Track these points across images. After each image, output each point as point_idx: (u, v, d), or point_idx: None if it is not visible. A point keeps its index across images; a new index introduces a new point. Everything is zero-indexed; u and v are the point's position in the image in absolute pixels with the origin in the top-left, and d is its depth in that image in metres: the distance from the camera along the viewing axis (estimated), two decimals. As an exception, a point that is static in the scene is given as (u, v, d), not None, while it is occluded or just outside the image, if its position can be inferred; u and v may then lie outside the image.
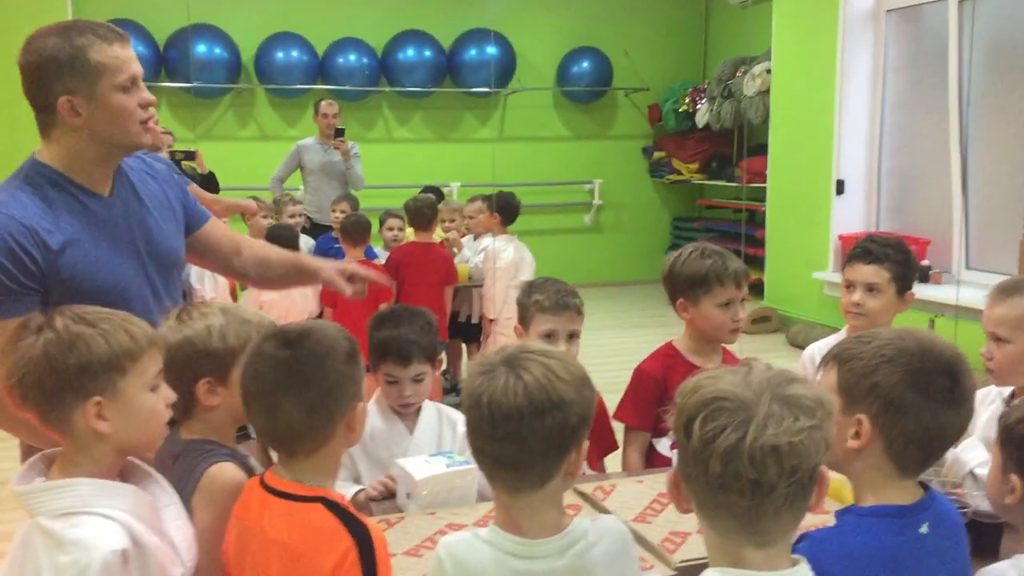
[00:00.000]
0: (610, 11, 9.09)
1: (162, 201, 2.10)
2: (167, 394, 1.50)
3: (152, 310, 1.95)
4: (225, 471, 1.58)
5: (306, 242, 5.83)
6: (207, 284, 4.42)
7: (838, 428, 1.40)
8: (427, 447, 2.25)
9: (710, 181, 8.86)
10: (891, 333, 1.49)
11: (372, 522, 1.46)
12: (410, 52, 8.42)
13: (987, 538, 1.63)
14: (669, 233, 9.59)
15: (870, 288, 2.46)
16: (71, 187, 1.88)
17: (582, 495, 1.96)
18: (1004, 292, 2.05)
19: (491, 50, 8.51)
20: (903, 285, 2.48)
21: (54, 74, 1.82)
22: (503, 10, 8.73)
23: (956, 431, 1.42)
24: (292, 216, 5.79)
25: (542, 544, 1.32)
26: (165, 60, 7.93)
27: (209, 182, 6.18)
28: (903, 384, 1.38)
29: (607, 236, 9.46)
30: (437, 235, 5.58)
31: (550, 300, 2.37)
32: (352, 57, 8.29)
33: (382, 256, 5.40)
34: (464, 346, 5.69)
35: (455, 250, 5.50)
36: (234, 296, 4.94)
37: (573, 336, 2.40)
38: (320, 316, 4.82)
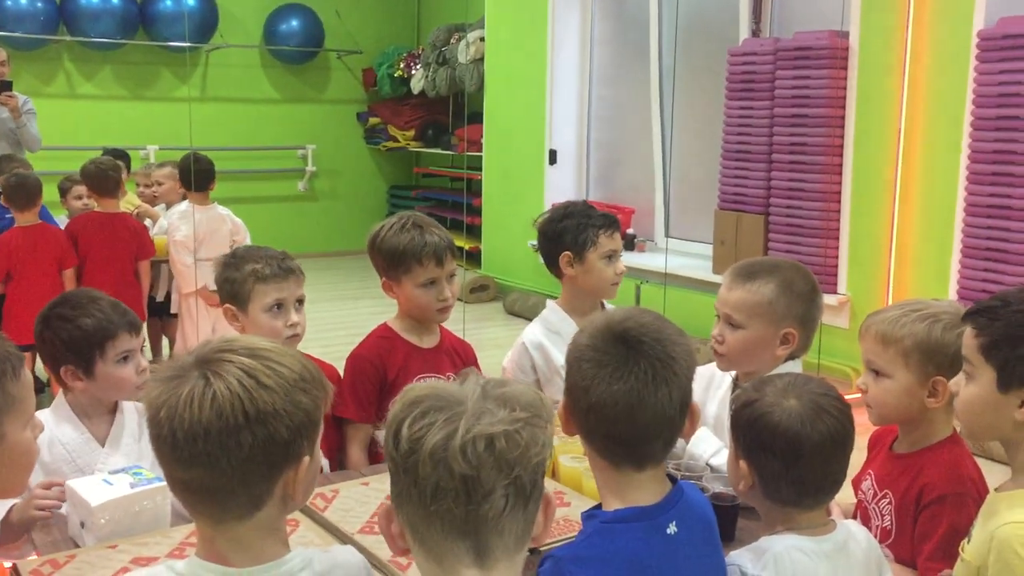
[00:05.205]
0: (319, -33, 8.67)
1: None
2: None
3: None
4: None
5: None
6: None
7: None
8: (125, 459, 1.89)
9: (427, 149, 8.76)
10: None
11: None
12: (94, -2, 7.54)
13: (723, 521, 1.59)
14: (386, 201, 9.40)
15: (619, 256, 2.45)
16: None
17: (299, 506, 1.71)
18: (744, 276, 1.91)
19: (189, 1, 7.84)
20: None
21: None
22: (202, -42, 8.05)
23: (632, 404, 1.24)
24: None
25: (252, 572, 1.10)
26: None
27: None
28: (583, 359, 1.28)
29: (322, 204, 9.10)
30: (130, 202, 5.00)
31: (271, 267, 2.12)
32: (23, 0, 7.29)
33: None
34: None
35: (148, 221, 4.95)
36: None
37: (301, 303, 2.18)
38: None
